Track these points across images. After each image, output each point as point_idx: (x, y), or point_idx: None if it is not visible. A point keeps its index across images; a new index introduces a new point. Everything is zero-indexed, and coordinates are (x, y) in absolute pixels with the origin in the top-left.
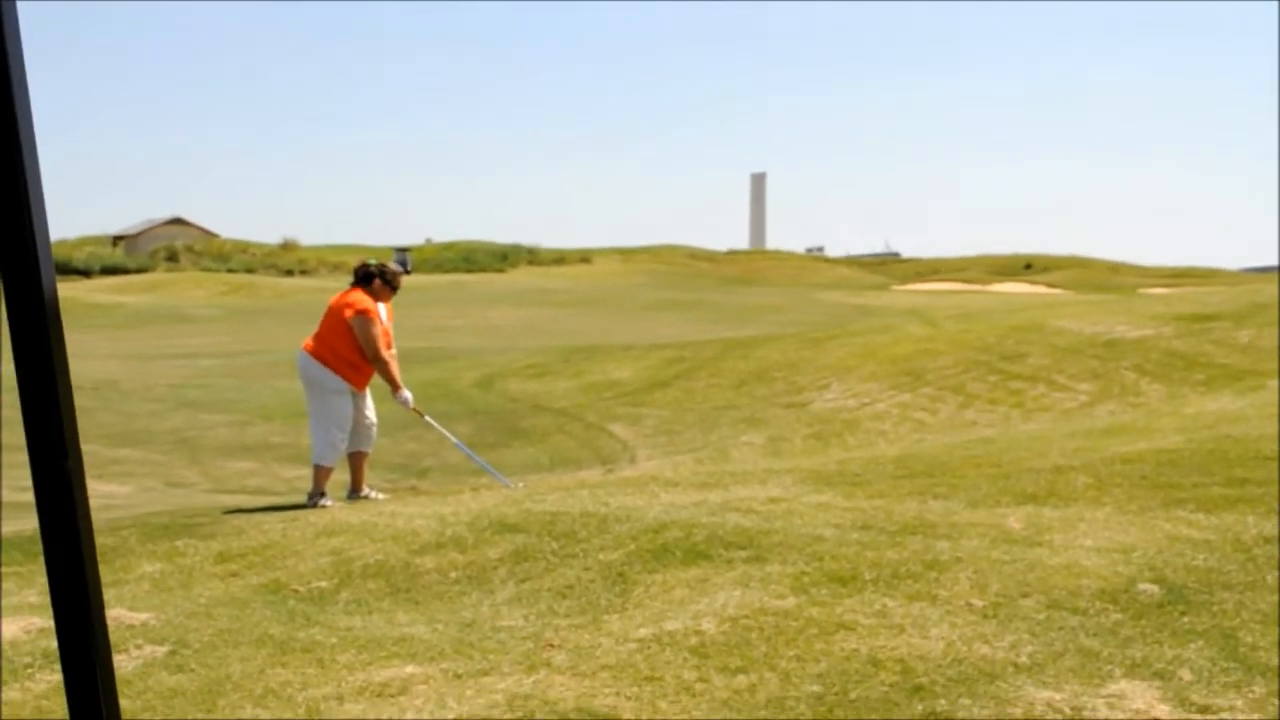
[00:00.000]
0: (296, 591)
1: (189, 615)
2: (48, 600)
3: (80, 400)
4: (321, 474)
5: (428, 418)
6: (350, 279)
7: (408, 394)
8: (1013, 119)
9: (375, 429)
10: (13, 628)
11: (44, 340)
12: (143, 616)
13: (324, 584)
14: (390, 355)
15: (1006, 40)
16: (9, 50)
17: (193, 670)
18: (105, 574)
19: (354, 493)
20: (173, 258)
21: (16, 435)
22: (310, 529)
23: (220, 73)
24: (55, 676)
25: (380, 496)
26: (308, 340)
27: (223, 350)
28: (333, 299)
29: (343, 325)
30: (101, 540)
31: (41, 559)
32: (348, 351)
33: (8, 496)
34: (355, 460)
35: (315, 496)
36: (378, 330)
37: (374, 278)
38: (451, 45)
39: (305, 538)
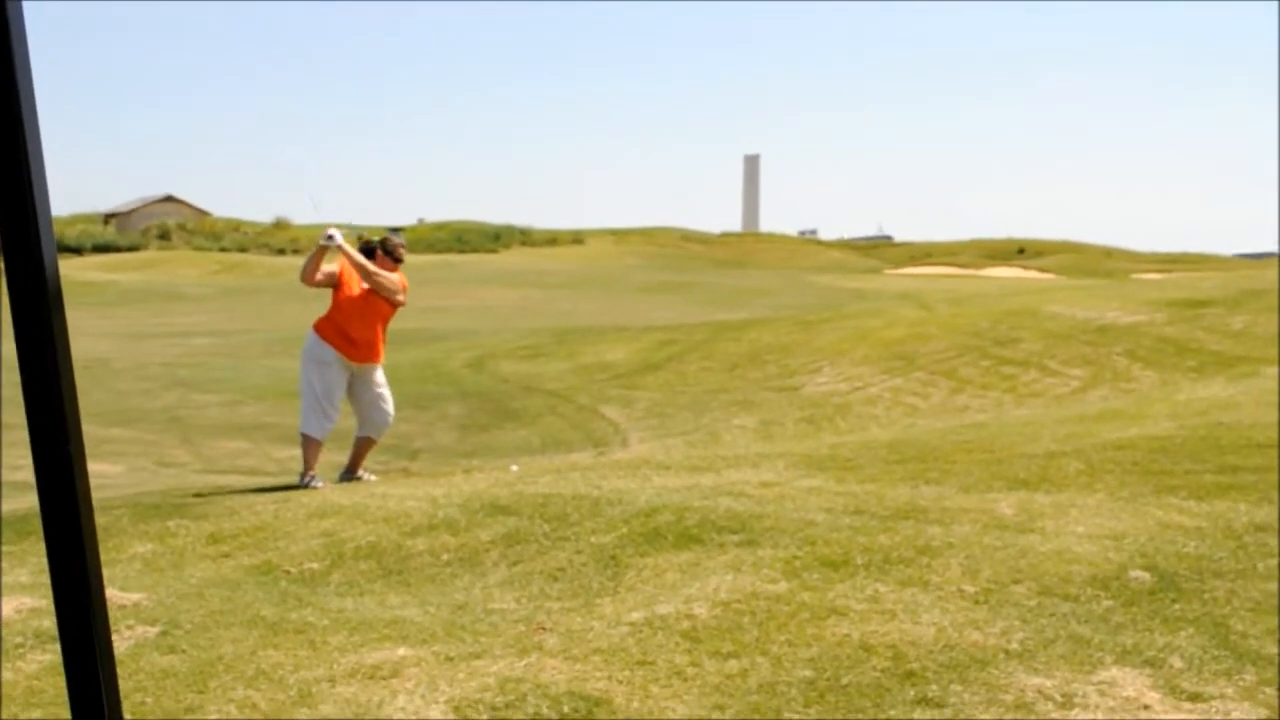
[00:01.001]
0: (288, 573)
1: (180, 596)
2: (40, 580)
3: None
4: (307, 447)
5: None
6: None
7: (334, 232)
8: (1006, 100)
9: (389, 418)
10: (5, 608)
11: (46, 326)
12: (134, 597)
13: (316, 565)
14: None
15: (997, 24)
16: (12, 34)
17: (184, 651)
18: None
19: (348, 473)
20: (165, 236)
21: (10, 415)
22: (302, 510)
23: (213, 51)
24: (47, 656)
25: (372, 478)
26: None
27: (215, 329)
28: None
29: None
30: None
31: (33, 538)
32: (340, 318)
33: (4, 476)
34: (360, 445)
35: (305, 475)
36: (327, 266)
37: (375, 250)
38: (445, 27)
39: (297, 519)
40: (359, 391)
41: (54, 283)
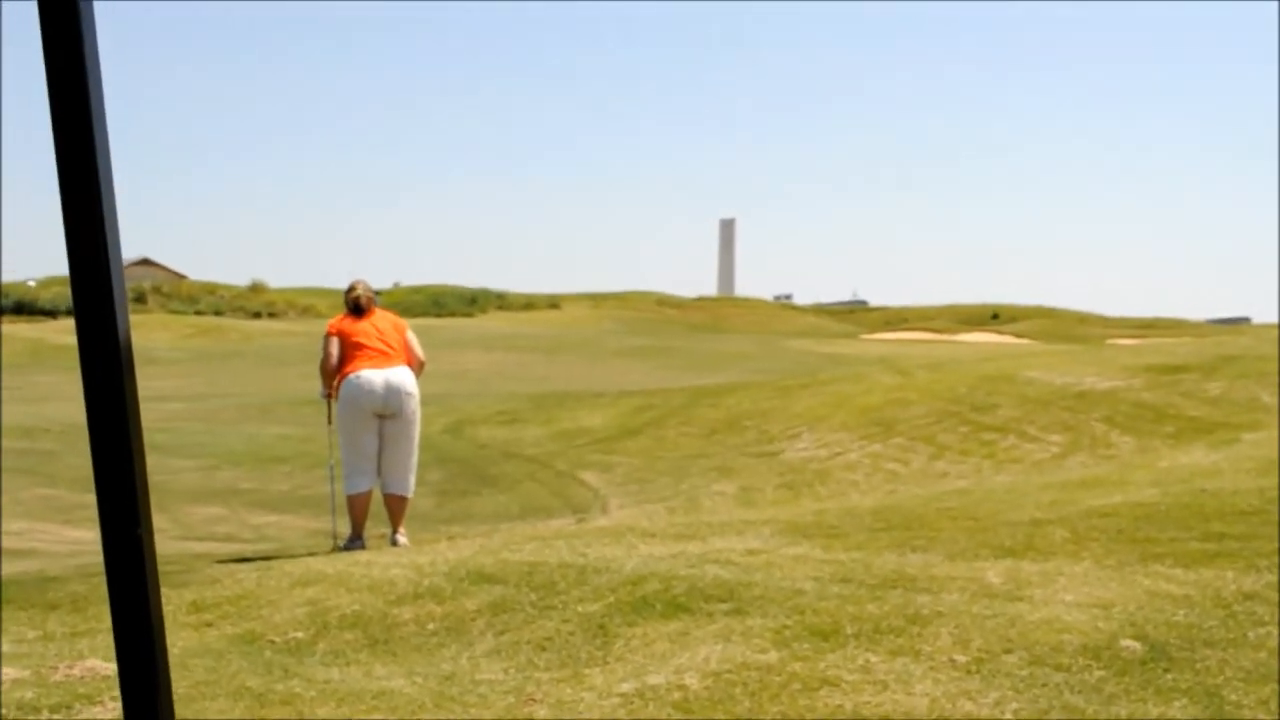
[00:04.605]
0: (273, 642)
1: None
2: (20, 650)
3: (47, 444)
4: (349, 506)
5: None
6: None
7: (325, 394)
8: (979, 168)
9: (405, 473)
10: None
11: (122, 417)
12: (117, 667)
13: (300, 635)
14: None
15: (972, 92)
16: (93, 105)
17: None
18: (78, 623)
19: (392, 539)
20: (140, 299)
21: None
22: (285, 578)
23: (189, 114)
24: None
25: (404, 542)
26: None
27: (190, 394)
28: None
29: None
30: (73, 588)
31: (12, 607)
32: (347, 357)
33: None
34: (387, 503)
35: (353, 539)
36: (327, 349)
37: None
38: (415, 88)
39: (280, 587)
40: (386, 438)
41: (127, 353)
